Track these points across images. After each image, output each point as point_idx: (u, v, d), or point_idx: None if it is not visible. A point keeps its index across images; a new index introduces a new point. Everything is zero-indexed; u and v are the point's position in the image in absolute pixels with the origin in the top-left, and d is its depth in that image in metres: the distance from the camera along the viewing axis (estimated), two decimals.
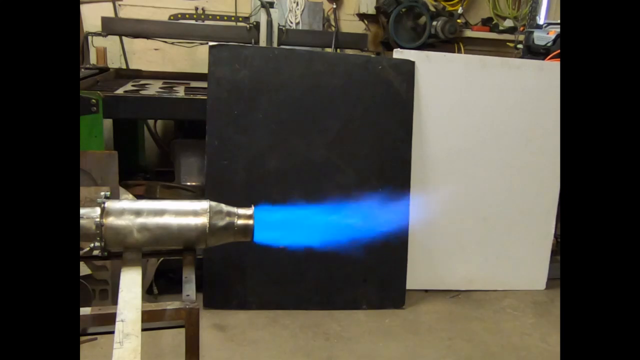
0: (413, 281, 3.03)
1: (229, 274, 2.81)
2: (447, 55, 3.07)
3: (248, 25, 3.81)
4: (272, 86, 2.74)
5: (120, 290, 1.21)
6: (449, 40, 4.52)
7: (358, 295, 2.92)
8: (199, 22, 4.32)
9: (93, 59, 3.88)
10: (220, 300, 2.81)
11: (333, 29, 4.54)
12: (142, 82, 3.61)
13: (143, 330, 1.09)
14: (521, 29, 4.42)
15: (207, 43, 3.25)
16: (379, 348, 2.58)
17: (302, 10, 4.27)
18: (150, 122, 4.27)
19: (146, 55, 4.35)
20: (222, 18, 4.41)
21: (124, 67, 4.23)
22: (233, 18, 4.42)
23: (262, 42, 3.71)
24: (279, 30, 3.76)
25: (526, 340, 2.74)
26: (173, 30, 3.92)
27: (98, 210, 1.27)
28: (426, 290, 3.15)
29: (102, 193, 1.32)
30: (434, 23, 4.42)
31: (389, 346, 2.60)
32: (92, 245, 1.28)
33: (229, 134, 2.72)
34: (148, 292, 2.83)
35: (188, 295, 1.27)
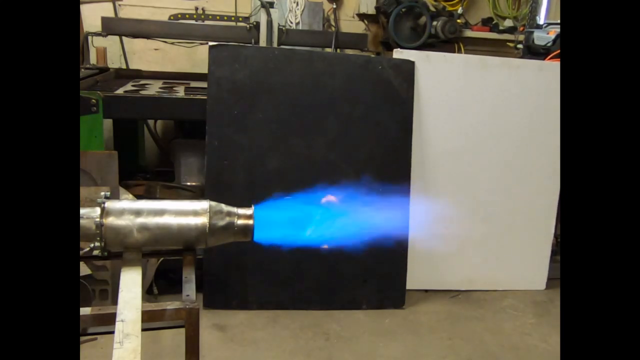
0: (413, 281, 3.03)
1: (229, 274, 2.81)
2: (447, 55, 3.07)
3: (248, 25, 3.80)
4: (272, 86, 2.74)
5: (120, 290, 1.21)
6: (449, 40, 4.51)
7: (358, 295, 2.92)
8: (199, 22, 4.31)
9: (93, 59, 3.88)
10: (220, 300, 2.81)
11: (333, 29, 4.54)
12: (142, 82, 3.61)
13: (143, 330, 1.09)
14: (521, 29, 4.42)
15: (207, 43, 3.25)
16: (379, 348, 2.58)
17: (302, 10, 4.26)
18: (150, 122, 4.27)
19: (146, 55, 4.35)
20: (222, 18, 4.41)
21: (124, 67, 4.23)
22: (233, 18, 4.42)
23: (262, 42, 3.71)
24: (279, 30, 3.76)
25: (526, 340, 2.74)
26: (173, 30, 3.92)
27: (98, 210, 1.27)
28: (426, 290, 3.15)
29: (102, 193, 1.32)
30: (434, 23, 4.42)
31: (389, 346, 2.60)
32: (92, 245, 1.28)
33: (229, 134, 2.72)
34: (148, 292, 2.83)
35: (188, 295, 1.27)
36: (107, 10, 4.16)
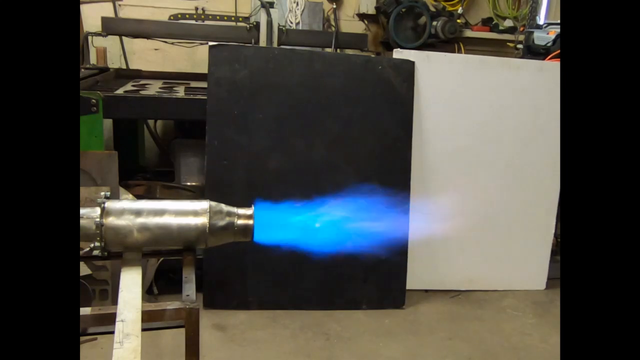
0: (413, 281, 3.03)
1: (229, 274, 2.81)
2: (447, 55, 3.07)
3: (248, 25, 3.81)
4: (272, 86, 2.74)
5: (120, 290, 1.21)
6: (449, 40, 4.51)
7: (358, 295, 2.92)
8: (199, 22, 4.32)
9: (93, 59, 3.88)
10: (220, 300, 2.81)
11: (333, 29, 4.54)
12: (142, 82, 3.61)
13: (143, 330, 1.09)
14: (521, 29, 4.42)
15: (207, 43, 3.25)
16: (379, 348, 2.58)
17: (302, 11, 4.27)
18: (150, 122, 4.27)
19: (146, 55, 4.35)
20: (222, 18, 4.41)
21: (124, 67, 4.23)
22: (233, 18, 4.42)
23: (262, 42, 3.71)
24: (279, 30, 3.76)
25: (526, 340, 2.74)
26: (173, 30, 3.92)
27: (98, 210, 1.27)
28: (426, 290, 3.15)
29: (102, 193, 1.32)
30: (434, 23, 4.42)
31: (389, 346, 2.60)
32: (92, 245, 1.28)
33: (229, 134, 2.72)
34: (148, 292, 2.83)
35: (188, 295, 1.27)
36: (107, 10, 4.17)
